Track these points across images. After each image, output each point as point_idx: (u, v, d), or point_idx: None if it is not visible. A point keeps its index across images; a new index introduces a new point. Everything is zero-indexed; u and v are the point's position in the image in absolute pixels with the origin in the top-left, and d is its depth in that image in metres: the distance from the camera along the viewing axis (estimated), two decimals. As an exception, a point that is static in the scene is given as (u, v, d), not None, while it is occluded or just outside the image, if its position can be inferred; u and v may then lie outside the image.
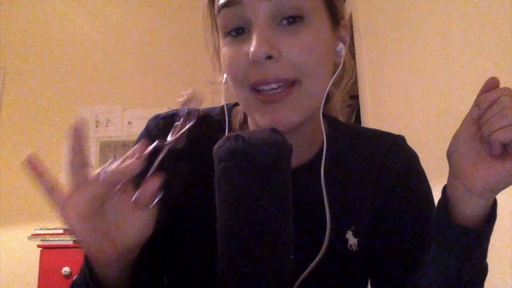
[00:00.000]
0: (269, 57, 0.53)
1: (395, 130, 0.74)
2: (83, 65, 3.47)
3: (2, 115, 3.34)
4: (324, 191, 0.61)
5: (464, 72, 1.52)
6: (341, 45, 0.62)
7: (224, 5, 0.56)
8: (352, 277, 0.65)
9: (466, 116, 0.52)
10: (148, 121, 0.69)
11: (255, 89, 0.56)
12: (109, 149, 3.36)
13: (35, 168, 0.45)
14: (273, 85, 0.55)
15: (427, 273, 0.55)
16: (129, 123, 3.40)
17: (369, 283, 0.69)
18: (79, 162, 0.46)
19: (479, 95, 0.50)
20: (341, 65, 0.62)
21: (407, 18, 1.99)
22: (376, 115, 2.27)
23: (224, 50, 0.58)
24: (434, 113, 1.72)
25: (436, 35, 1.75)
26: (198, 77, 3.49)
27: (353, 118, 2.39)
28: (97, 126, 3.40)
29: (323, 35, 0.57)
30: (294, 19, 0.54)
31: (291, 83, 0.56)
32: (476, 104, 0.50)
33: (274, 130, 0.49)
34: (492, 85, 0.50)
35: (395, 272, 0.63)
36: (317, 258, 0.58)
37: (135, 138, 0.69)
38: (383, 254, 0.64)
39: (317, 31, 0.56)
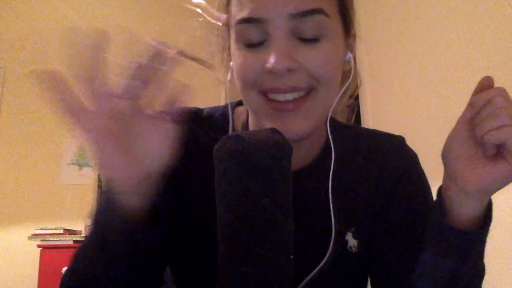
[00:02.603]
0: (289, 70, 0.54)
1: (394, 130, 0.74)
2: (83, 65, 3.46)
3: (2, 115, 3.34)
4: (331, 196, 0.61)
5: (464, 72, 1.52)
6: (349, 54, 0.62)
7: (246, 21, 0.55)
8: (352, 278, 0.65)
9: (460, 117, 0.52)
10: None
11: (265, 94, 0.56)
12: (109, 149, 3.36)
13: (52, 79, 0.42)
14: (288, 96, 0.55)
15: (424, 274, 0.55)
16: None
17: (368, 283, 0.69)
18: (98, 74, 0.41)
19: (473, 95, 0.50)
20: (352, 74, 0.62)
21: (407, 18, 1.99)
22: (376, 115, 2.27)
23: (238, 54, 0.58)
24: (434, 113, 1.72)
25: (435, 35, 1.75)
26: (198, 77, 3.48)
27: (353, 118, 2.38)
28: (97, 126, 3.40)
29: (338, 46, 0.58)
30: (313, 37, 0.55)
31: (307, 92, 0.56)
32: (470, 104, 0.50)
33: (274, 130, 0.49)
34: (486, 84, 0.50)
35: (394, 273, 0.63)
36: (323, 262, 0.59)
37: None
38: (382, 254, 0.64)
39: (334, 44, 0.57)
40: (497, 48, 1.35)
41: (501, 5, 1.35)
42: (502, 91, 0.48)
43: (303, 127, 0.56)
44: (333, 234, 0.60)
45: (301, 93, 0.56)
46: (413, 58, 1.93)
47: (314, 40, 0.55)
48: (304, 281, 0.57)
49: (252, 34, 0.55)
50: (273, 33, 0.54)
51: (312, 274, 0.58)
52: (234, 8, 0.57)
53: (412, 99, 1.94)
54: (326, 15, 0.55)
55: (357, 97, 0.74)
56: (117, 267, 0.47)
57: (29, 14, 3.53)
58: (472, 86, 0.51)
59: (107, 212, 0.46)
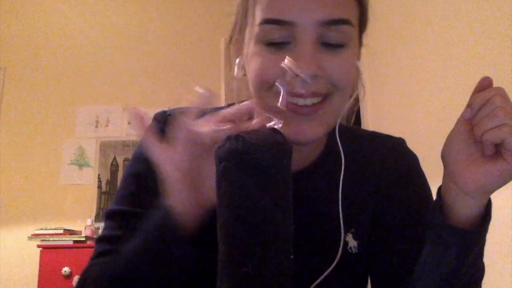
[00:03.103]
0: (314, 76, 0.54)
1: (394, 131, 0.75)
2: (83, 65, 3.47)
3: (2, 115, 3.34)
4: (340, 198, 0.62)
5: (464, 72, 1.52)
6: (357, 62, 0.62)
7: (273, 22, 0.55)
8: (352, 279, 0.65)
9: (459, 117, 0.52)
10: (157, 116, 0.67)
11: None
12: (109, 149, 3.37)
13: (137, 117, 0.49)
14: (308, 101, 0.56)
15: (423, 273, 0.55)
16: (129, 123, 3.39)
17: (369, 283, 0.69)
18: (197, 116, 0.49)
19: (472, 95, 0.50)
20: (361, 82, 0.63)
21: (406, 19, 2.00)
22: (376, 116, 2.27)
23: (259, 57, 0.57)
24: (434, 113, 1.72)
25: (435, 36, 1.75)
26: (198, 77, 3.49)
27: (353, 118, 2.39)
28: (97, 126, 3.40)
29: (356, 56, 0.59)
30: (338, 43, 0.56)
31: (323, 98, 0.56)
32: (469, 104, 0.50)
33: (274, 130, 0.49)
34: (485, 85, 0.50)
35: (394, 273, 0.63)
36: (332, 266, 0.59)
37: (135, 138, 0.69)
38: (383, 255, 0.65)
39: (354, 54, 0.58)
40: (497, 50, 1.35)
41: (501, 7, 1.35)
42: (501, 91, 0.48)
43: (316, 132, 0.57)
44: (342, 236, 0.61)
45: (319, 99, 0.56)
46: (413, 60, 1.93)
47: (338, 47, 0.55)
48: (314, 284, 0.58)
49: (276, 35, 0.55)
50: (301, 38, 0.54)
51: (322, 277, 0.58)
52: (258, 7, 0.57)
53: (412, 100, 1.94)
54: (352, 25, 0.56)
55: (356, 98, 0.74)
56: (168, 275, 0.52)
57: (29, 14, 3.53)
58: (472, 88, 0.51)
59: (164, 230, 0.51)
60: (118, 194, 0.64)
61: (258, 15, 0.56)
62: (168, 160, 0.49)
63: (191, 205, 0.50)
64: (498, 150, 0.48)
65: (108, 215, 0.63)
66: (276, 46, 0.55)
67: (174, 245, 0.50)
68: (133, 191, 0.62)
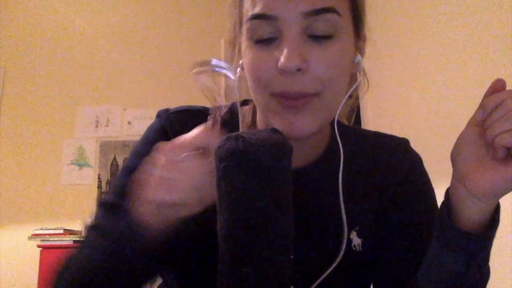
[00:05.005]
0: (298, 69, 0.54)
1: (394, 131, 0.75)
2: (83, 65, 3.47)
3: (2, 115, 3.34)
4: (341, 196, 0.61)
5: (465, 72, 1.52)
6: (359, 57, 0.61)
7: (258, 17, 0.55)
8: (355, 277, 0.66)
9: (470, 119, 0.51)
10: (161, 113, 0.68)
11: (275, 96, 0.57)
12: (109, 149, 3.36)
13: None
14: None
15: (428, 274, 0.55)
16: (129, 123, 3.40)
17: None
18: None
19: (484, 97, 0.49)
20: (360, 77, 0.62)
21: (407, 18, 2.00)
22: (376, 116, 2.27)
23: (250, 54, 0.57)
24: (434, 113, 1.72)
25: (436, 36, 1.75)
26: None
27: (353, 118, 2.38)
28: (97, 126, 3.40)
29: (348, 49, 0.58)
30: (325, 34, 0.55)
31: (313, 94, 0.56)
32: (481, 106, 0.49)
33: (274, 130, 0.49)
34: (498, 87, 0.49)
35: (397, 273, 0.63)
36: (334, 264, 0.59)
37: (135, 138, 0.70)
38: (386, 255, 0.65)
39: (344, 46, 0.57)
40: (498, 50, 1.35)
41: (501, 7, 1.35)
42: None
43: (308, 125, 0.56)
44: (345, 234, 0.61)
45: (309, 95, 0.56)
46: (414, 59, 1.93)
47: (325, 38, 0.55)
48: (316, 283, 0.58)
49: (264, 30, 0.55)
50: (285, 32, 0.54)
51: (323, 276, 0.58)
52: (246, 5, 0.58)
53: (412, 100, 1.94)
54: (338, 14, 0.55)
55: (357, 98, 0.74)
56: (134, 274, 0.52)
57: (29, 14, 3.53)
58: (474, 86, 0.51)
59: (127, 242, 0.51)
60: (111, 186, 0.66)
61: (246, 12, 0.57)
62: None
63: (163, 219, 0.50)
64: (509, 153, 0.47)
65: (99, 205, 0.64)
66: (265, 42, 0.56)
67: (136, 260, 0.50)
68: (123, 184, 0.62)
